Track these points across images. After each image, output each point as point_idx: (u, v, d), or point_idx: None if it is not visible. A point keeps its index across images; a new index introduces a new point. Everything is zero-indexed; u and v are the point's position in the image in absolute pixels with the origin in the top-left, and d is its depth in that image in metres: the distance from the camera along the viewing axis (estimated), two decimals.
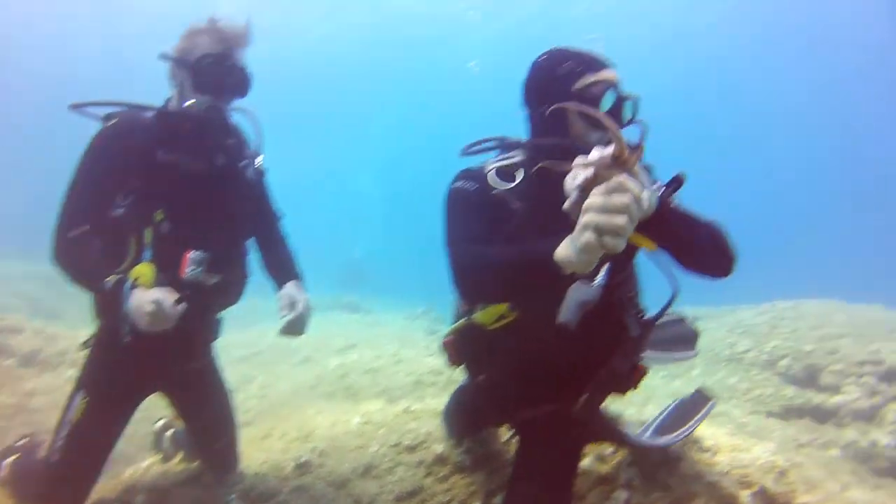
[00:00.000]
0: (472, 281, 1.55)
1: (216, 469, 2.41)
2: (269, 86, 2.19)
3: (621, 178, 1.04)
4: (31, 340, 4.70)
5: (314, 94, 25.71)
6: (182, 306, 1.69)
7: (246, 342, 5.47)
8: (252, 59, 1.98)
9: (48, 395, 3.96)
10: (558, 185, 1.16)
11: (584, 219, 1.05)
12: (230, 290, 2.07)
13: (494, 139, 1.81)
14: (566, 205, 1.12)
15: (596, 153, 1.08)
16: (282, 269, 2.25)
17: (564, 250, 1.12)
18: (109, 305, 1.75)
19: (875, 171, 29.20)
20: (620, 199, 1.02)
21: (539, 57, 1.71)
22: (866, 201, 29.00)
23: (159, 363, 2.07)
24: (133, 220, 1.84)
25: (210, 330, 2.18)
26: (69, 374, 4.30)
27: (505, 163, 1.72)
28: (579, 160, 1.11)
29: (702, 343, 6.54)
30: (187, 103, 1.87)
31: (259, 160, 2.15)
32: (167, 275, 1.82)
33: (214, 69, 1.87)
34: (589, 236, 1.03)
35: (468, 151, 1.82)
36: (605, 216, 1.02)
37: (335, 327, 7.12)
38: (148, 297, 1.64)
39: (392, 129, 30.13)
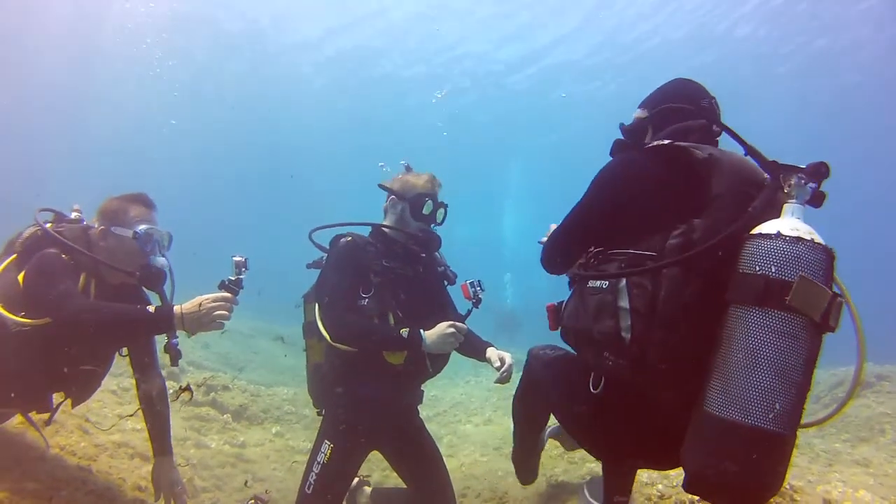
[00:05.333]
0: None
1: None
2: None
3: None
4: (239, 397, 5.48)
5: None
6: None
7: (428, 402, 5.87)
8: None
9: (258, 447, 4.59)
10: None
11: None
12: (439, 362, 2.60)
13: None
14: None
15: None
16: (473, 339, 2.69)
17: None
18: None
19: None
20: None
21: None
22: None
23: (383, 422, 2.57)
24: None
25: (420, 394, 2.74)
26: (275, 430, 4.93)
27: None
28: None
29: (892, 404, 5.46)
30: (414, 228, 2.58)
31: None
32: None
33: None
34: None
35: None
36: None
37: (510, 387, 7.19)
38: (443, 325, 2.35)
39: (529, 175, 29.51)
